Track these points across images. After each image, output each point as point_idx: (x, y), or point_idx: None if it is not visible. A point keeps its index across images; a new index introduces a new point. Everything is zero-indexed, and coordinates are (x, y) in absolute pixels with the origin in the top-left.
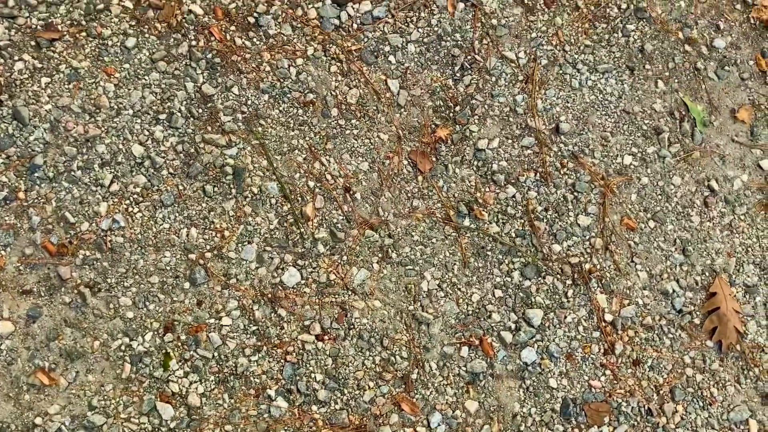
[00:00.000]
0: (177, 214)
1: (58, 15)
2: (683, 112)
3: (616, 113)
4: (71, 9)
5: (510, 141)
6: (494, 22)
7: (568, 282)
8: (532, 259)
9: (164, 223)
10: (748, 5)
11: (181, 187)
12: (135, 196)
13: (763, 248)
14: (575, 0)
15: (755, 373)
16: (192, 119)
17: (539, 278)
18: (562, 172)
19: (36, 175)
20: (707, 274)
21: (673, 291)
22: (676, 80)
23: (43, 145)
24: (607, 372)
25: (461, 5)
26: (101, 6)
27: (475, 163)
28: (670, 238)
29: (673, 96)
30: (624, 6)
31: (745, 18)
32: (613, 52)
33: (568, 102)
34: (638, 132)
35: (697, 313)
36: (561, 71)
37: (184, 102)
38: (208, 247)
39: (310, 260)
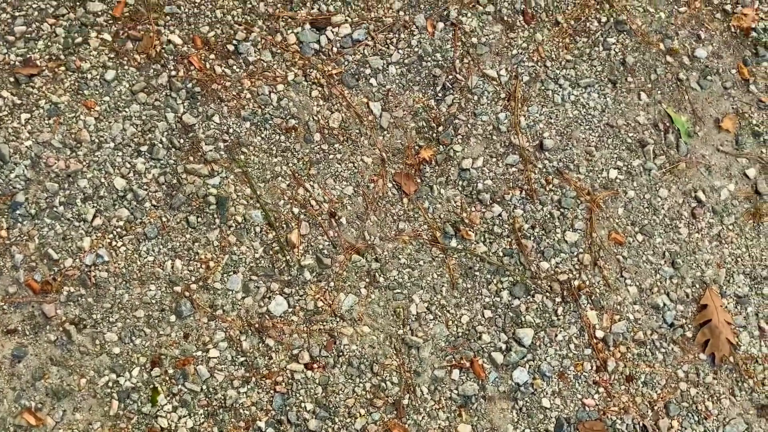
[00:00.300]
0: (161, 247)
1: (37, 50)
2: (667, 124)
3: (599, 127)
4: (49, 44)
5: (494, 159)
6: (474, 40)
7: (558, 300)
8: (520, 278)
9: (148, 256)
10: (728, 14)
11: (164, 219)
12: (118, 229)
13: (753, 258)
14: (555, 15)
15: (750, 384)
16: (174, 150)
17: (528, 297)
18: (547, 189)
19: (18, 212)
20: (697, 286)
21: (664, 304)
22: (659, 92)
23: (24, 181)
24: (601, 389)
25: (441, 25)
26: (79, 39)
27: (460, 183)
28: (659, 251)
29: (657, 108)
30: (604, 19)
31: (726, 27)
32: (595, 66)
33: (551, 118)
34: (623, 145)
35: (689, 326)
36: (543, 87)
37: (165, 133)
38: (193, 278)
39: (297, 288)
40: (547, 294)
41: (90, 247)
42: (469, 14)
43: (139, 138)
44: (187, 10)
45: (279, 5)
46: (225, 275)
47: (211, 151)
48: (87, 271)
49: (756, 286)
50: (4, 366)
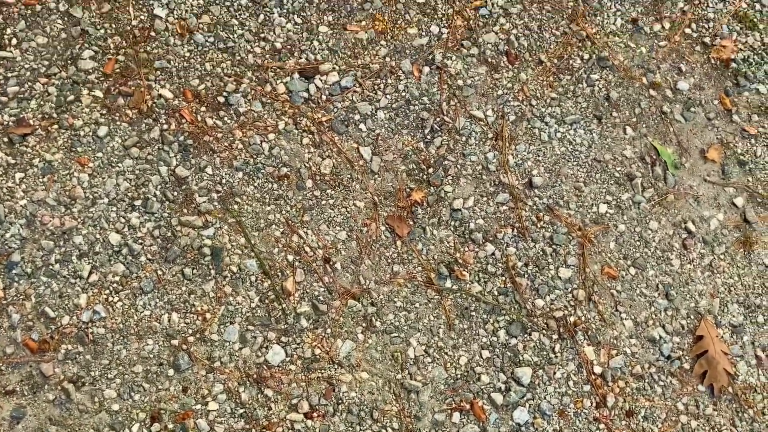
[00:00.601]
0: (157, 300)
1: (30, 110)
2: (654, 156)
3: (587, 163)
4: (42, 103)
5: (485, 199)
6: (460, 82)
7: (555, 337)
8: (516, 317)
9: (145, 311)
10: (707, 46)
11: (159, 272)
12: (114, 285)
13: (746, 286)
14: (538, 55)
15: (750, 414)
16: (167, 203)
17: (525, 335)
18: (538, 226)
19: (14, 272)
20: (692, 317)
21: (660, 337)
22: (644, 125)
23: (19, 241)
24: (601, 426)
25: (426, 69)
26: (72, 97)
27: (452, 223)
28: (652, 284)
29: (643, 141)
30: (586, 56)
31: (706, 59)
32: (580, 103)
33: (539, 156)
34: (611, 180)
35: (686, 357)
36: (529, 126)
37: (159, 186)
38: (190, 331)
39: (294, 336)
40: (544, 331)
41: (87, 303)
42: (454, 57)
43: (133, 192)
44: (177, 64)
45: (267, 56)
46: (222, 326)
47: (204, 202)
48: (84, 328)
49: (750, 314)
50: (3, 428)
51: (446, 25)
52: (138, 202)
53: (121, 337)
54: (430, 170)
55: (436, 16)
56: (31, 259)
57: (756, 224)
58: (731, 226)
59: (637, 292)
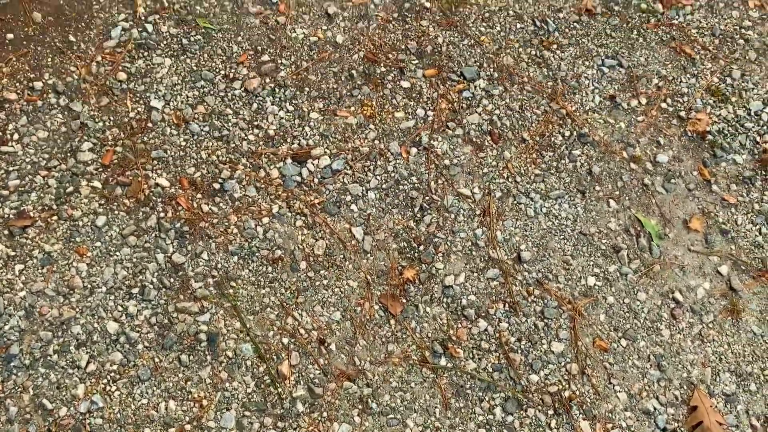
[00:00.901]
0: (154, 388)
1: (30, 202)
2: (638, 228)
3: (573, 236)
4: (42, 195)
5: (475, 274)
6: (447, 162)
7: (550, 412)
8: (512, 393)
9: (142, 399)
10: (683, 119)
11: (156, 360)
12: (112, 374)
13: (736, 354)
14: (520, 133)
15: None
16: (164, 290)
17: (521, 411)
18: (529, 300)
19: (12, 364)
20: (685, 387)
21: (655, 409)
22: (627, 198)
23: (18, 332)
24: None
25: (414, 150)
26: (71, 189)
27: (445, 300)
28: (644, 355)
29: (626, 213)
30: (567, 133)
31: (683, 132)
32: (563, 178)
33: (526, 230)
34: (598, 252)
35: (682, 429)
36: (515, 202)
37: (156, 273)
38: (187, 419)
39: (290, 421)
40: (540, 407)
41: (84, 394)
42: (440, 138)
43: (130, 281)
44: (173, 153)
45: (261, 143)
46: (218, 413)
47: (200, 288)
48: (82, 419)
49: (742, 383)
50: None
51: (431, 108)
52: (135, 290)
53: (119, 427)
54: (421, 248)
55: (421, 100)
56: (30, 351)
57: (742, 292)
58: (718, 295)
59: (630, 363)
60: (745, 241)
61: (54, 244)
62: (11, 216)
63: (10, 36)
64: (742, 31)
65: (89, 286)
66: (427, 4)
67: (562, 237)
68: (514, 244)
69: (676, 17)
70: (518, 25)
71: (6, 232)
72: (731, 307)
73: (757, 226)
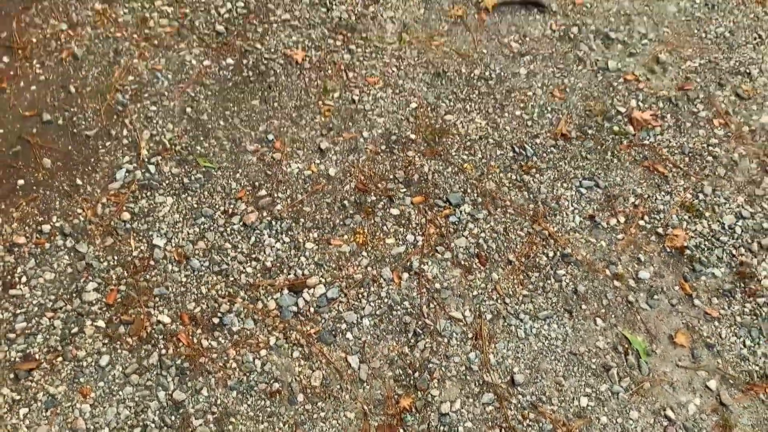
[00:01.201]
0: None
1: (36, 344)
2: (626, 345)
3: (564, 356)
4: (48, 336)
5: (471, 400)
6: (437, 285)
7: None
8: None
9: None
10: (661, 236)
11: None
12: None
13: None
14: (506, 255)
15: None
16: (166, 428)
17: None
18: (525, 424)
19: None
20: None
21: None
22: (613, 315)
23: None
24: None
25: (406, 275)
26: (76, 329)
27: (442, 428)
28: None
29: (613, 331)
30: (551, 254)
31: (662, 248)
32: (550, 298)
33: (518, 352)
34: (588, 372)
35: None
36: (506, 323)
37: (157, 412)
38: None
39: None
40: None
41: None
42: (430, 262)
43: (132, 420)
44: (174, 290)
45: (259, 275)
46: None
47: (200, 425)
48: None
49: None
50: None
51: (420, 233)
52: (137, 430)
53: None
54: (416, 374)
55: (410, 226)
56: None
57: (732, 407)
58: (709, 410)
59: None
60: (731, 354)
61: (58, 386)
62: (17, 359)
63: (21, 182)
64: (710, 148)
65: (92, 427)
66: (413, 136)
67: (553, 358)
68: (507, 366)
69: (647, 137)
70: (498, 152)
71: (12, 375)
72: (723, 422)
73: (741, 339)
